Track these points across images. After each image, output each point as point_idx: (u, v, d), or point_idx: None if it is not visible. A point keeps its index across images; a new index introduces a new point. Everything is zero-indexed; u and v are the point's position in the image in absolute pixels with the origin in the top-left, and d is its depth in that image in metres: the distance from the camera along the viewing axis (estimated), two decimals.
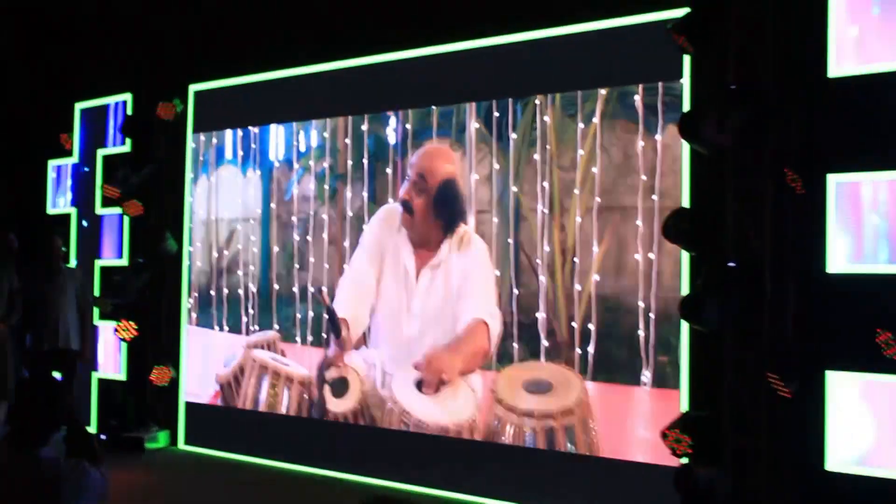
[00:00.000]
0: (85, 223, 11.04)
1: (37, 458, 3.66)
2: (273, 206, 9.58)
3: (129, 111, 10.69)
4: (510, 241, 7.87)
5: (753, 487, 6.42)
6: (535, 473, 7.63)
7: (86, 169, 10.25)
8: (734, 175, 6.61)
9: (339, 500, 8.14)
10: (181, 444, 10.15)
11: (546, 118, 7.76)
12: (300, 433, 9.14)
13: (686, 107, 6.93)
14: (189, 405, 10.16)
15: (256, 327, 9.59)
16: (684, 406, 6.84)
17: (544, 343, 7.59)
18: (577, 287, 7.46)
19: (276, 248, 9.51)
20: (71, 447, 3.87)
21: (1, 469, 3.67)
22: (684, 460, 6.51)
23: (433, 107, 8.43)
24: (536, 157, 7.77)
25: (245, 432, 9.59)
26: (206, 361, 10.03)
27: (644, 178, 7.22)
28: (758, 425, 6.43)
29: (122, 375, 10.55)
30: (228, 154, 9.97)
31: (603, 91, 7.49)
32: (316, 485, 8.68)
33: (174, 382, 10.15)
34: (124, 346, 10.44)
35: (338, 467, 8.84)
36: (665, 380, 7.02)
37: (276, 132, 9.59)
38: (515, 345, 7.77)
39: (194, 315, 10.15)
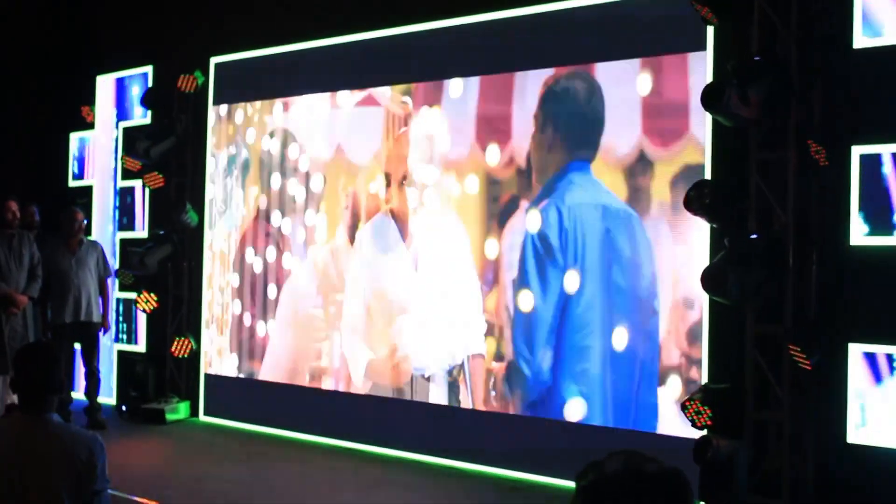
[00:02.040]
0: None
1: (48, 422, 3.68)
2: None
3: (151, 83, 10.70)
4: None
5: (774, 459, 6.42)
6: (548, 444, 7.64)
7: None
8: (757, 147, 6.58)
9: (358, 470, 8.17)
10: (201, 416, 10.20)
11: None
12: (319, 404, 9.17)
13: (709, 78, 6.89)
14: (209, 376, 10.20)
15: None
16: (705, 378, 6.82)
17: None
18: None
19: None
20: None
21: (16, 434, 3.69)
22: (704, 432, 6.50)
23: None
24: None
25: (264, 403, 9.64)
26: None
27: None
28: (779, 397, 6.42)
29: (142, 347, 10.60)
30: None
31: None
32: (334, 455, 8.71)
33: (194, 354, 10.20)
34: (145, 317, 10.48)
35: (357, 438, 8.86)
36: None
37: None
38: None
39: None
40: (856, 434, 6.15)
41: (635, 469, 1.83)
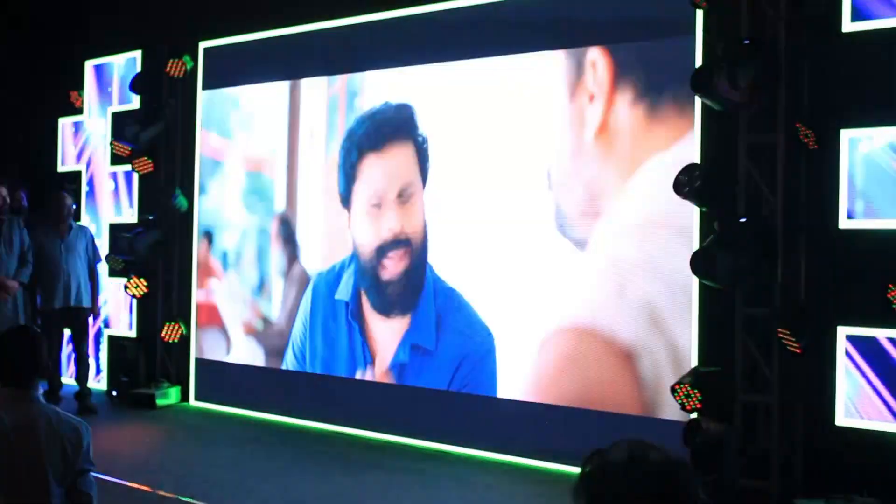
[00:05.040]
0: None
1: (35, 400, 3.69)
2: None
3: (140, 68, 10.66)
4: None
5: (763, 442, 6.44)
6: (539, 428, 7.66)
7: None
8: (746, 130, 6.60)
9: (349, 454, 8.19)
10: (192, 400, 10.20)
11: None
12: (309, 389, 9.18)
13: (698, 61, 6.89)
14: (199, 361, 10.20)
15: None
16: (695, 361, 6.83)
17: None
18: None
19: None
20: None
21: (6, 409, 3.69)
22: (694, 415, 6.52)
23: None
24: None
25: (255, 388, 9.64)
26: None
27: None
28: (768, 380, 6.45)
29: (132, 332, 10.59)
30: None
31: None
32: (325, 440, 8.73)
33: (185, 339, 10.19)
34: (135, 303, 10.47)
35: (349, 423, 8.87)
36: None
37: None
38: None
39: None
40: (844, 417, 6.17)
41: (640, 457, 1.84)
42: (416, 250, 8.48)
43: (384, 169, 8.72)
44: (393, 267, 8.58)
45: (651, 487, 1.80)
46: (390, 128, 8.70)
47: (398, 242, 8.56)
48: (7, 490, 3.57)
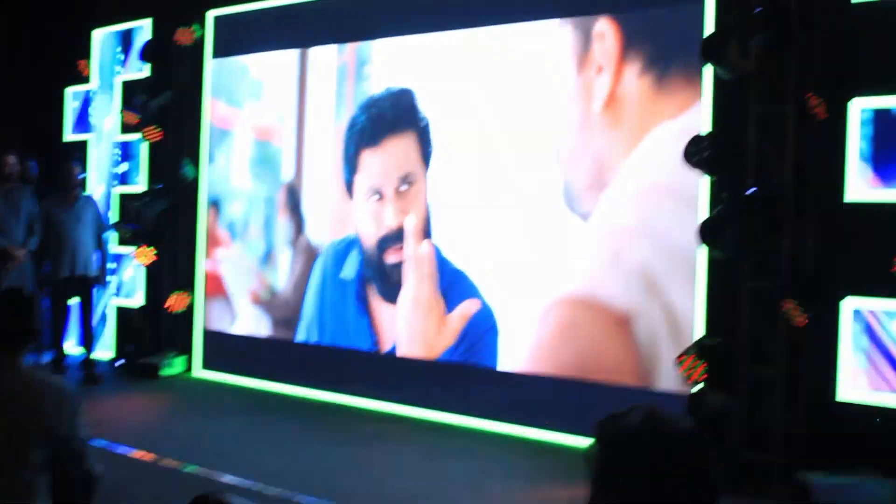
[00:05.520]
0: None
1: (18, 366, 3.66)
2: None
3: (149, 36, 10.62)
4: None
5: (767, 415, 6.40)
6: (542, 399, 7.63)
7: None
8: (756, 100, 6.52)
9: (354, 426, 8.18)
10: (197, 371, 10.20)
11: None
12: (315, 359, 9.17)
13: (709, 30, 6.81)
14: (206, 331, 10.20)
15: None
16: (700, 332, 6.78)
17: None
18: None
19: None
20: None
21: None
22: (698, 387, 6.48)
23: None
24: None
25: (260, 358, 9.63)
26: None
27: None
28: (773, 353, 6.39)
29: (139, 301, 10.59)
30: None
31: None
32: (330, 410, 8.73)
33: (191, 309, 10.18)
34: (142, 271, 10.46)
35: (354, 393, 8.86)
36: None
37: None
38: None
39: None
40: (848, 390, 6.12)
41: (657, 424, 1.81)
42: (417, 238, 8.44)
43: (382, 162, 8.73)
44: (395, 257, 8.55)
45: (668, 455, 1.77)
46: (387, 121, 8.69)
47: (398, 237, 8.54)
48: None
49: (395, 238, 8.57)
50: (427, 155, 8.40)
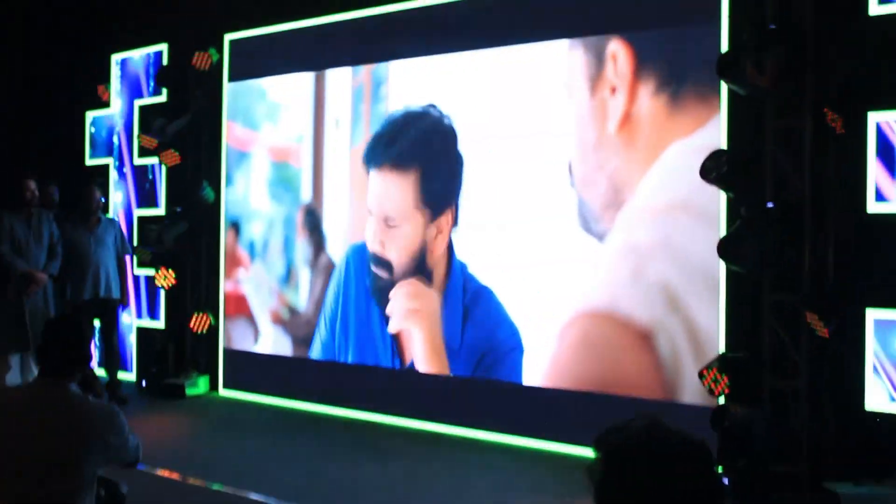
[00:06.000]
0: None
1: (67, 391, 3.73)
2: None
3: (165, 61, 10.72)
4: None
5: (792, 427, 6.43)
6: (565, 413, 7.68)
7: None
8: (773, 115, 6.57)
9: (377, 442, 8.23)
10: (221, 390, 10.27)
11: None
12: (337, 377, 9.23)
13: (724, 47, 6.87)
14: (228, 351, 10.27)
15: None
16: (722, 347, 6.83)
17: None
18: None
19: None
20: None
21: (34, 400, 3.74)
22: (721, 400, 6.52)
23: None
24: None
25: (283, 377, 9.70)
26: None
27: None
28: (797, 365, 6.43)
29: (161, 323, 10.67)
30: None
31: None
32: (353, 428, 8.78)
33: (213, 329, 10.26)
34: (163, 294, 10.55)
35: (376, 410, 8.93)
36: None
37: None
38: None
39: None
40: (874, 401, 6.16)
41: (659, 435, 1.81)
42: (400, 272, 8.62)
43: (380, 190, 8.86)
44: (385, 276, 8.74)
45: (671, 466, 1.77)
46: (395, 150, 8.81)
47: (380, 261, 8.68)
48: (28, 482, 3.60)
49: (378, 261, 8.81)
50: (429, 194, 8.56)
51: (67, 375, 3.77)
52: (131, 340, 10.90)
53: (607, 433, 1.85)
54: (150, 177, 10.85)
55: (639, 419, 1.85)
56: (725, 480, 6.31)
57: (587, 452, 6.73)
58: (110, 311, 9.84)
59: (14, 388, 4.21)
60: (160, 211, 10.70)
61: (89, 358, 3.95)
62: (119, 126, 11.21)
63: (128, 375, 10.71)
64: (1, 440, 3.67)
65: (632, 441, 1.81)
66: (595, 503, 1.81)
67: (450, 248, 8.42)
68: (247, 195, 10.17)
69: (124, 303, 10.02)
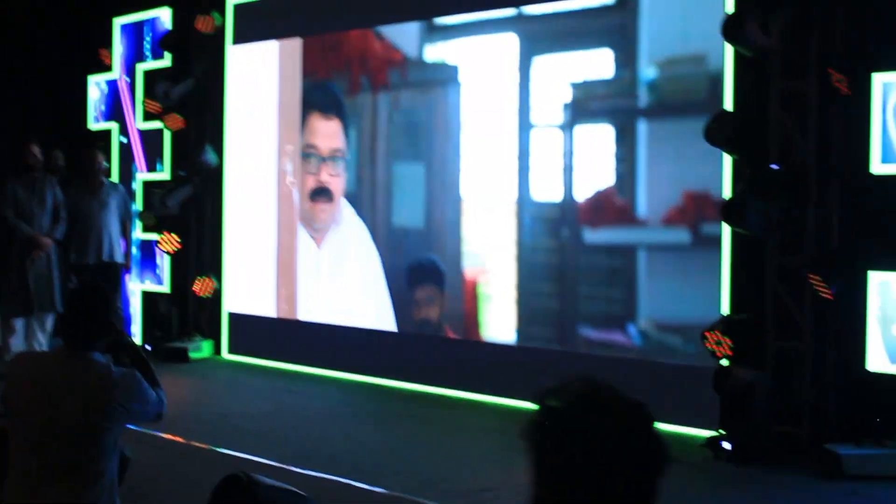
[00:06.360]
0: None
1: (90, 360, 3.74)
2: None
3: (169, 25, 10.67)
4: None
5: (795, 389, 6.44)
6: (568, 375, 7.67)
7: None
8: (778, 76, 6.53)
9: (379, 404, 8.26)
10: (224, 354, 10.31)
11: None
12: (341, 341, 9.25)
13: (729, 8, 6.82)
14: (232, 315, 10.29)
15: None
16: (725, 309, 6.81)
17: None
18: None
19: None
20: (119, 358, 3.98)
21: (58, 371, 3.76)
22: (724, 362, 6.52)
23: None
24: None
25: (287, 341, 9.72)
26: None
27: None
28: (800, 327, 6.42)
29: (165, 287, 10.67)
30: None
31: None
32: (356, 390, 8.82)
33: (217, 293, 10.28)
34: (168, 258, 10.54)
35: (382, 374, 8.95)
36: None
37: None
38: None
39: None
40: (876, 362, 6.15)
41: (597, 397, 1.75)
42: None
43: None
44: None
45: (608, 427, 1.71)
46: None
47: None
48: (52, 451, 3.64)
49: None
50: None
51: (91, 345, 3.78)
52: (135, 304, 10.91)
53: (544, 395, 1.77)
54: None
55: (577, 380, 1.79)
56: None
57: None
58: (114, 276, 9.83)
59: (37, 356, 4.24)
60: (164, 175, 10.67)
61: (111, 326, 3.95)
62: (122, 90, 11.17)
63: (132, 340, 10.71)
64: (26, 410, 3.71)
65: (569, 403, 1.75)
66: (531, 465, 1.75)
67: None
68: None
69: (127, 267, 10.02)
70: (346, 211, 9.32)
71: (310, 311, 9.54)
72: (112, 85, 11.27)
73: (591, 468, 1.69)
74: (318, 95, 9.60)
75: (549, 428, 1.74)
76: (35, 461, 3.65)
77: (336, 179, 9.38)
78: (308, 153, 9.54)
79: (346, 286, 9.28)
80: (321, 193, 9.44)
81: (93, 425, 3.66)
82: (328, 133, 9.46)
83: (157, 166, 10.72)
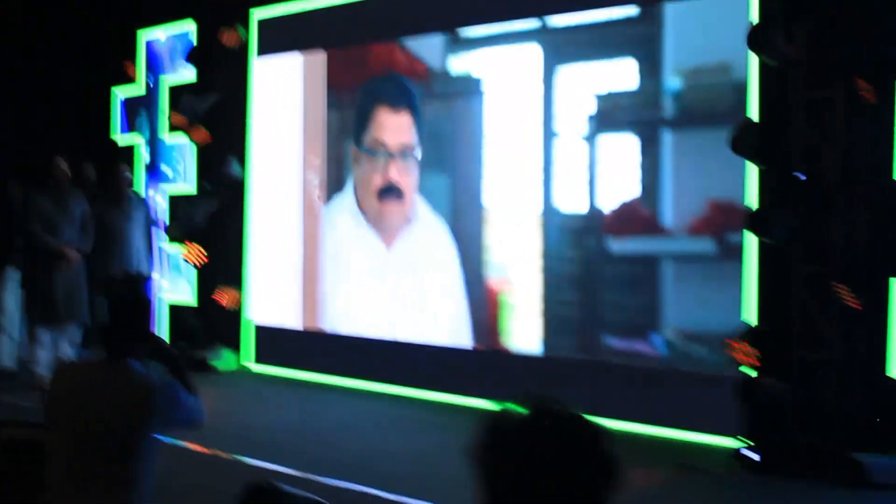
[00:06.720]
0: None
1: (131, 369, 3.76)
2: None
3: (194, 39, 10.74)
4: None
5: (821, 398, 6.40)
6: (604, 385, 7.67)
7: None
8: (803, 85, 6.51)
9: (406, 414, 8.28)
10: (251, 365, 10.36)
11: None
12: (366, 352, 9.27)
13: (754, 18, 6.82)
14: (257, 327, 10.32)
15: None
16: (750, 318, 6.79)
17: None
18: None
19: None
20: (157, 366, 4.00)
21: (97, 381, 3.78)
22: (751, 372, 6.49)
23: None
24: None
25: (313, 352, 9.74)
26: None
27: None
28: (826, 337, 6.39)
29: (191, 299, 10.72)
30: None
31: None
32: (383, 400, 8.83)
33: (241, 305, 10.31)
34: (193, 270, 10.60)
35: (407, 384, 8.96)
36: None
37: None
38: None
39: None
40: None
41: (543, 415, 1.75)
42: None
43: None
44: None
45: (556, 444, 1.72)
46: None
47: None
48: (91, 461, 3.66)
49: None
50: None
51: (131, 353, 3.80)
52: (161, 316, 10.96)
53: (496, 412, 1.78)
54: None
55: (524, 398, 1.79)
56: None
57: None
58: (139, 287, 9.84)
59: (79, 366, 4.25)
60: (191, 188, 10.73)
61: (151, 334, 3.98)
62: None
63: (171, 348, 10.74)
64: (70, 420, 3.73)
65: (517, 421, 1.75)
66: (479, 483, 1.75)
67: None
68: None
69: (151, 279, 10.07)
70: (421, 209, 9.07)
71: (351, 317, 9.50)
72: (137, 99, 11.36)
73: (538, 486, 1.69)
74: (386, 88, 9.30)
75: (496, 446, 1.74)
76: (76, 470, 3.66)
77: (407, 176, 9.12)
78: (375, 150, 9.29)
79: (420, 286, 9.02)
80: (390, 192, 9.16)
81: (134, 433, 3.69)
82: (397, 128, 9.17)
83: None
